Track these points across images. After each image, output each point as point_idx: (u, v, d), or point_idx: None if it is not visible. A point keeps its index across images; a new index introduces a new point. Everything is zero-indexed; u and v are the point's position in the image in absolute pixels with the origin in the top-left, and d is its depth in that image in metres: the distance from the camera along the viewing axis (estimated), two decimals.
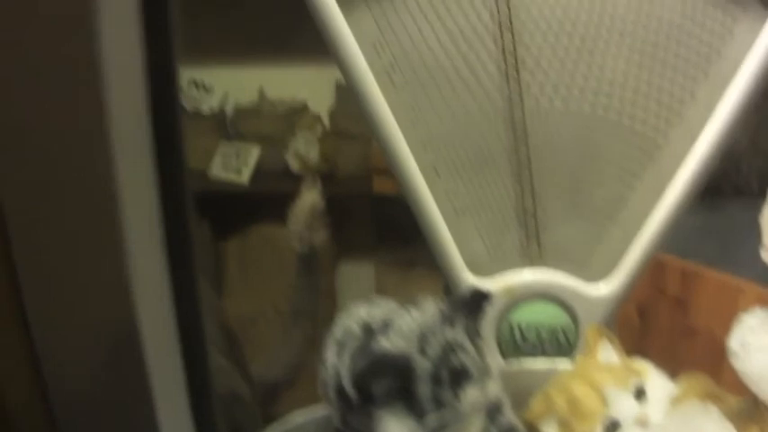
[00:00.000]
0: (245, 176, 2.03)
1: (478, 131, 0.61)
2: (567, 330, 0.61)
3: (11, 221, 0.31)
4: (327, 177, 1.96)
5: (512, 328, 0.61)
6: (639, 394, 0.47)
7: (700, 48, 0.58)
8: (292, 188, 1.01)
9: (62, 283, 0.31)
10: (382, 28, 0.59)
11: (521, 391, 0.50)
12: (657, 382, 0.48)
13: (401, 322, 0.42)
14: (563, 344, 0.61)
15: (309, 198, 0.86)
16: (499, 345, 0.62)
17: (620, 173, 0.61)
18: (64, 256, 0.31)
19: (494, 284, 0.61)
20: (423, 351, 0.41)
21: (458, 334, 0.42)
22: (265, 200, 1.76)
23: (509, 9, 0.59)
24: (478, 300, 0.43)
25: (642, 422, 0.45)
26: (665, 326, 1.19)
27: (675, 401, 0.46)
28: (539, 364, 0.60)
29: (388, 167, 0.62)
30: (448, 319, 0.42)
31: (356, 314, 0.45)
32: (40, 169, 0.31)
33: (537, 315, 0.61)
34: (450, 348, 0.41)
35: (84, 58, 0.31)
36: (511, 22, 0.59)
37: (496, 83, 0.60)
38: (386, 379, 0.40)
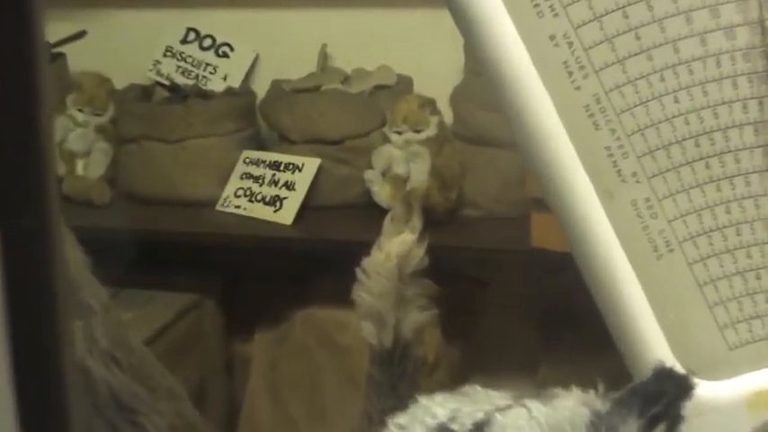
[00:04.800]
0: (287, 215, 1.06)
1: (713, 152, 0.42)
2: None
3: None
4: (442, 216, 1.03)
5: None
6: None
7: None
8: (373, 236, 0.59)
9: None
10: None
11: None
12: None
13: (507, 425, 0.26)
14: None
15: (397, 244, 0.53)
16: None
17: None
18: None
19: (732, 391, 0.42)
20: None
21: None
22: (322, 257, 1.04)
23: None
24: (668, 388, 0.26)
25: None
26: None
27: None
28: None
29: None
30: (605, 424, 0.25)
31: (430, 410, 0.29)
32: None
33: None
34: None
35: None
36: None
37: (743, 87, 0.41)
38: None
